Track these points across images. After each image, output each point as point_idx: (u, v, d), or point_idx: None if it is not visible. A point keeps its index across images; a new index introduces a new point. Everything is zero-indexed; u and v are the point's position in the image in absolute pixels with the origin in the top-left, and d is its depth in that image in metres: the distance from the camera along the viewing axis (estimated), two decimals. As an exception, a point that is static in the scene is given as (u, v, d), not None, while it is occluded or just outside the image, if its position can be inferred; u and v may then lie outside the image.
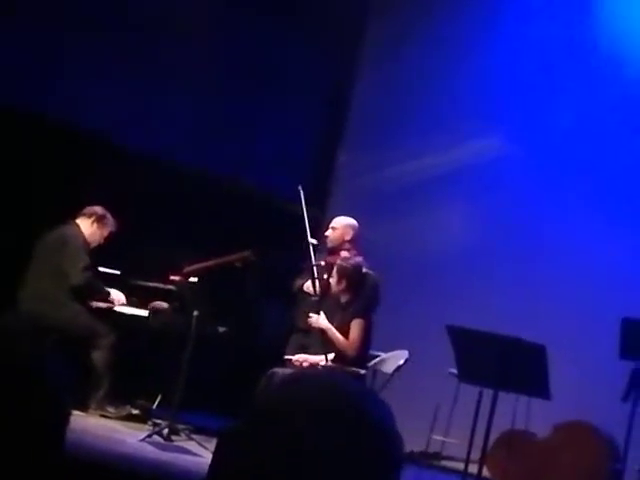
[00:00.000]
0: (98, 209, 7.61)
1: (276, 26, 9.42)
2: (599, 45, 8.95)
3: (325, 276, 7.16)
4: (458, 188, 9.22)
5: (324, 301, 7.05)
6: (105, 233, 7.62)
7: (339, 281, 6.92)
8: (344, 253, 7.25)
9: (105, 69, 8.44)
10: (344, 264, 6.93)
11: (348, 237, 7.40)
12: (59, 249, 7.37)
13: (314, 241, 7.30)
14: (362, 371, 6.71)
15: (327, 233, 7.44)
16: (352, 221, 7.51)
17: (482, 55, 9.39)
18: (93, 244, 7.59)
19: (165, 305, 7.61)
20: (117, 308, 7.55)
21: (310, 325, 6.99)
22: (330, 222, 7.57)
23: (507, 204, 8.98)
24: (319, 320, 6.86)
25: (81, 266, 7.36)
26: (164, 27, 8.71)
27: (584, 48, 8.99)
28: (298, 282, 7.43)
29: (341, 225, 7.46)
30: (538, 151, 9.02)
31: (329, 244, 7.44)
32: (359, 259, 7.00)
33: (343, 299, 6.96)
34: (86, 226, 7.56)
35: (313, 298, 7.13)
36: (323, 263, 7.26)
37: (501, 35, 9.40)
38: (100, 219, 7.59)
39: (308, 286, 7.27)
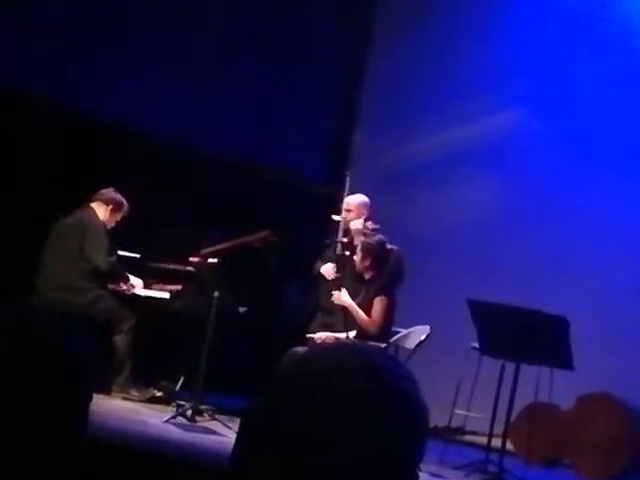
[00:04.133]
0: (115, 196, 7.58)
1: (291, 4, 9.39)
2: (620, 17, 8.88)
3: (347, 253, 7.15)
4: (477, 163, 9.19)
5: (346, 278, 7.04)
6: (118, 218, 7.63)
7: (364, 258, 6.91)
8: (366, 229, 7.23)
9: (120, 54, 8.44)
10: (368, 241, 6.92)
11: (364, 216, 7.36)
12: (79, 234, 7.37)
13: (338, 218, 7.31)
14: (383, 345, 6.70)
15: (343, 216, 7.37)
16: (364, 199, 7.47)
17: (501, 29, 9.32)
18: (107, 228, 7.61)
19: (179, 287, 7.63)
20: (137, 291, 7.58)
21: (332, 302, 6.99)
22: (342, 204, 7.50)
23: (526, 178, 8.94)
24: (341, 296, 6.86)
25: (104, 250, 7.38)
26: (177, 9, 8.71)
27: (605, 20, 8.91)
28: (317, 265, 7.41)
29: (355, 206, 7.40)
30: (557, 125, 8.97)
31: (345, 226, 7.37)
32: (381, 236, 6.98)
33: (367, 276, 6.96)
34: (102, 211, 7.55)
35: (331, 281, 7.14)
36: (345, 240, 7.25)
37: (521, 9, 9.33)
38: (118, 206, 7.58)
39: (325, 269, 7.26)
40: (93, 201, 7.57)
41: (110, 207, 7.56)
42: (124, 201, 7.60)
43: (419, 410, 1.24)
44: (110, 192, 7.58)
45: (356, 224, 7.26)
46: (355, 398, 1.19)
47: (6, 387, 1.27)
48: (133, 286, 7.57)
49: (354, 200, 7.43)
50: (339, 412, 1.19)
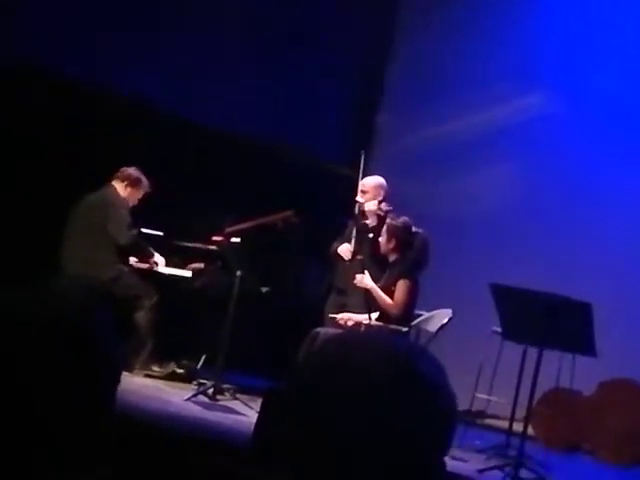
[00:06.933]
0: (132, 172, 7.61)
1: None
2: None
3: (371, 236, 7.13)
4: (500, 146, 9.13)
5: (367, 261, 7.02)
6: (139, 195, 7.65)
7: (389, 240, 6.89)
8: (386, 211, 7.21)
9: (144, 37, 8.43)
10: (394, 223, 6.89)
11: (380, 198, 7.33)
12: (103, 211, 7.41)
13: (362, 200, 7.29)
14: (404, 329, 6.70)
15: (358, 197, 7.35)
16: (381, 180, 7.43)
17: (525, 11, 9.24)
18: (129, 205, 7.63)
19: (202, 265, 7.65)
20: (160, 269, 7.60)
21: (347, 283, 6.99)
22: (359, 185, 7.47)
23: (550, 162, 8.88)
24: (364, 279, 6.84)
25: (126, 225, 7.41)
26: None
27: (633, 3, 8.82)
28: (334, 246, 7.39)
29: (371, 187, 7.37)
30: (582, 108, 8.89)
31: (361, 207, 7.35)
32: (407, 218, 6.95)
33: (391, 258, 6.94)
34: (121, 189, 7.59)
35: (348, 261, 7.13)
36: (370, 222, 7.23)
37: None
38: (134, 183, 7.60)
39: (342, 250, 7.24)
40: (114, 179, 7.60)
41: (126, 183, 7.58)
42: (142, 177, 7.62)
43: (447, 399, 1.23)
44: (128, 169, 7.61)
45: (370, 205, 7.25)
46: (384, 389, 1.18)
47: (34, 369, 1.27)
48: (156, 263, 7.60)
49: (370, 182, 7.41)
50: (368, 402, 1.18)
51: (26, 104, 7.73)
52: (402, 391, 1.19)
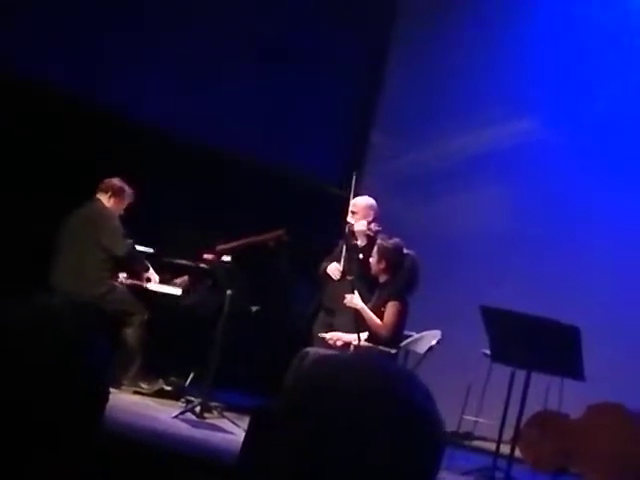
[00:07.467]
0: (115, 182, 7.59)
1: (307, 7, 9.37)
2: (638, 28, 8.84)
3: (361, 256, 7.14)
4: (491, 170, 9.17)
5: (357, 281, 7.02)
6: (123, 205, 7.63)
7: (379, 261, 6.90)
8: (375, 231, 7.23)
9: (136, 48, 8.45)
10: (385, 244, 6.91)
11: (370, 218, 7.34)
12: (93, 226, 7.39)
13: (352, 221, 7.31)
14: (393, 351, 6.71)
15: (348, 218, 7.36)
16: (371, 201, 7.45)
17: (519, 37, 9.29)
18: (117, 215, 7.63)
19: (186, 278, 7.63)
20: (150, 286, 7.58)
21: (335, 303, 7.00)
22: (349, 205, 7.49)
23: (540, 185, 8.92)
24: (353, 299, 6.84)
25: (120, 236, 7.40)
26: (194, 8, 8.73)
27: (623, 31, 8.88)
28: (323, 265, 7.40)
29: (361, 208, 7.39)
30: (572, 134, 8.95)
31: (350, 227, 7.36)
32: (398, 239, 6.97)
33: (381, 279, 6.95)
34: (106, 200, 7.56)
35: (337, 281, 7.13)
36: (360, 243, 7.23)
37: (539, 17, 9.30)
38: (117, 192, 7.58)
39: (330, 269, 7.25)
40: (98, 192, 7.59)
41: (109, 194, 7.57)
42: (125, 187, 7.60)
43: (435, 424, 1.24)
44: (111, 180, 7.59)
45: (360, 225, 7.27)
46: (373, 413, 1.19)
47: (25, 385, 1.27)
48: (149, 279, 7.57)
49: (360, 202, 7.43)
50: (355, 425, 1.18)
51: (16, 117, 7.74)
52: (389, 415, 1.19)
